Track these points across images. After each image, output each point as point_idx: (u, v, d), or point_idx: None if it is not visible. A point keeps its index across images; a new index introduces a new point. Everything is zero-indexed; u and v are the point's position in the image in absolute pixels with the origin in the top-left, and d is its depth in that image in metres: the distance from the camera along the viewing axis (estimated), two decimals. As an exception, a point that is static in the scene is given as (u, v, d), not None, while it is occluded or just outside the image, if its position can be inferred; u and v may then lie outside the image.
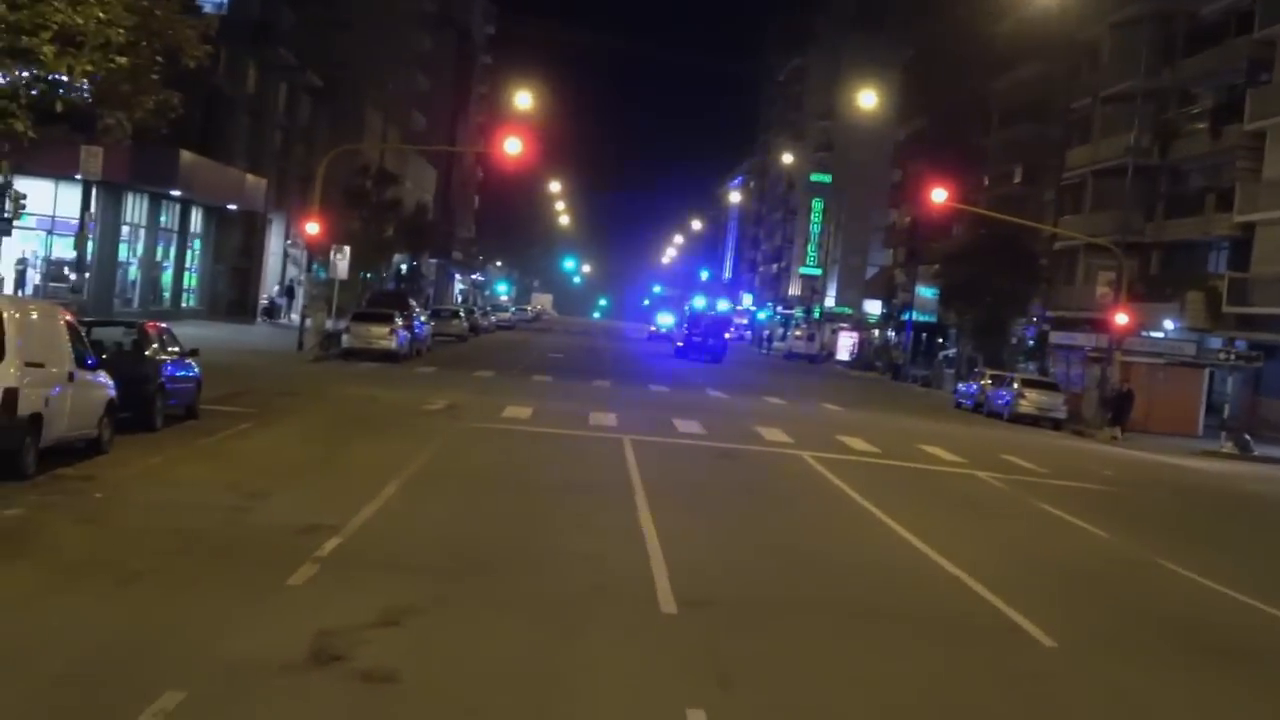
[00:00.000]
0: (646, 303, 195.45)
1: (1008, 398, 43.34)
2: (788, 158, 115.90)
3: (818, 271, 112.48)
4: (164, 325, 21.68)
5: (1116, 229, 50.14)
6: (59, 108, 20.62)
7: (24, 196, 27.37)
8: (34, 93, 20.40)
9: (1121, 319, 42.57)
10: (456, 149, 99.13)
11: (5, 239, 29.43)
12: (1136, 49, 52.27)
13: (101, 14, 19.14)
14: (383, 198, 62.38)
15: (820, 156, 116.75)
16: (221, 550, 11.90)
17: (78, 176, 37.29)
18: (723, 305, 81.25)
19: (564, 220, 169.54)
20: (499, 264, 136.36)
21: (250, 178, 52.48)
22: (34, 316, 15.32)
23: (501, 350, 58.33)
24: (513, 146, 47.85)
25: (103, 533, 12.25)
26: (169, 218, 49.25)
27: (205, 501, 14.04)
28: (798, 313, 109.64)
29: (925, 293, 75.67)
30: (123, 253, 45.03)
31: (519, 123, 71.60)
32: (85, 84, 21.22)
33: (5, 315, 14.07)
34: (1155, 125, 54.08)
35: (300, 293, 58.11)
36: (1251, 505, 27.21)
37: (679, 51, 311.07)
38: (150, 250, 47.62)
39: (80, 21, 19.03)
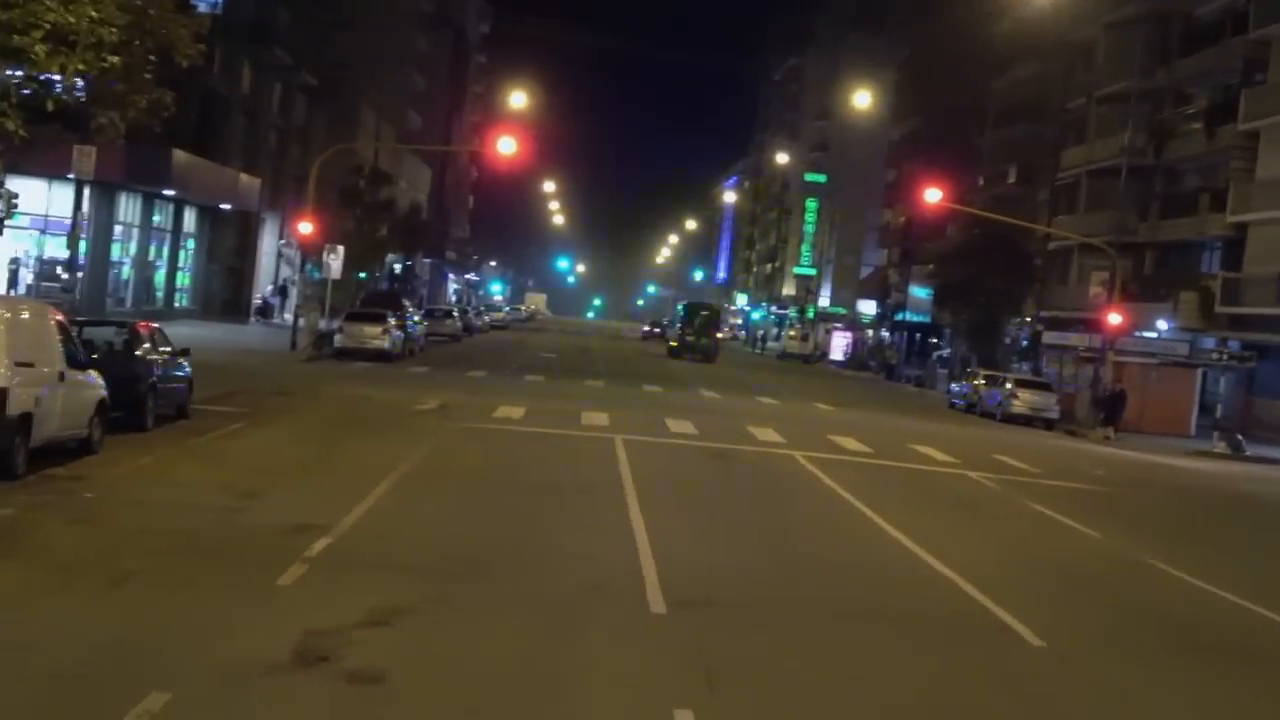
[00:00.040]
0: (641, 302, 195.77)
1: (1000, 398, 43.36)
2: (783, 157, 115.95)
3: (812, 271, 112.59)
4: (155, 325, 21.65)
5: (1111, 229, 50.18)
6: (50, 107, 20.59)
7: (16, 196, 27.29)
8: (26, 92, 20.36)
9: (1115, 319, 42.60)
10: (451, 149, 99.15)
11: (-2, 238, 29.39)
12: (1131, 49, 52.30)
13: (94, 13, 19.12)
14: (376, 197, 62.38)
15: (815, 156, 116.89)
16: (211, 550, 11.89)
17: (71, 176, 37.23)
18: (714, 305, 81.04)
19: (558, 220, 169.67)
20: (493, 264, 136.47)
21: (244, 177, 52.45)
22: (24, 316, 15.30)
23: (495, 350, 58.32)
24: (506, 146, 47.90)
25: (93, 533, 12.22)
26: (163, 217, 49.23)
27: (196, 502, 14.03)
28: (792, 313, 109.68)
29: (919, 293, 75.74)
30: (116, 252, 44.99)
31: (514, 122, 71.58)
32: (80, 83, 21.22)
33: (-5, 315, 14.05)
34: (1150, 125, 54.12)
35: (294, 292, 58.03)
36: (1244, 505, 27.23)
37: (675, 51, 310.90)
38: (144, 250, 47.59)
39: (72, 20, 19.01)
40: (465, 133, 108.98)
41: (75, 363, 16.12)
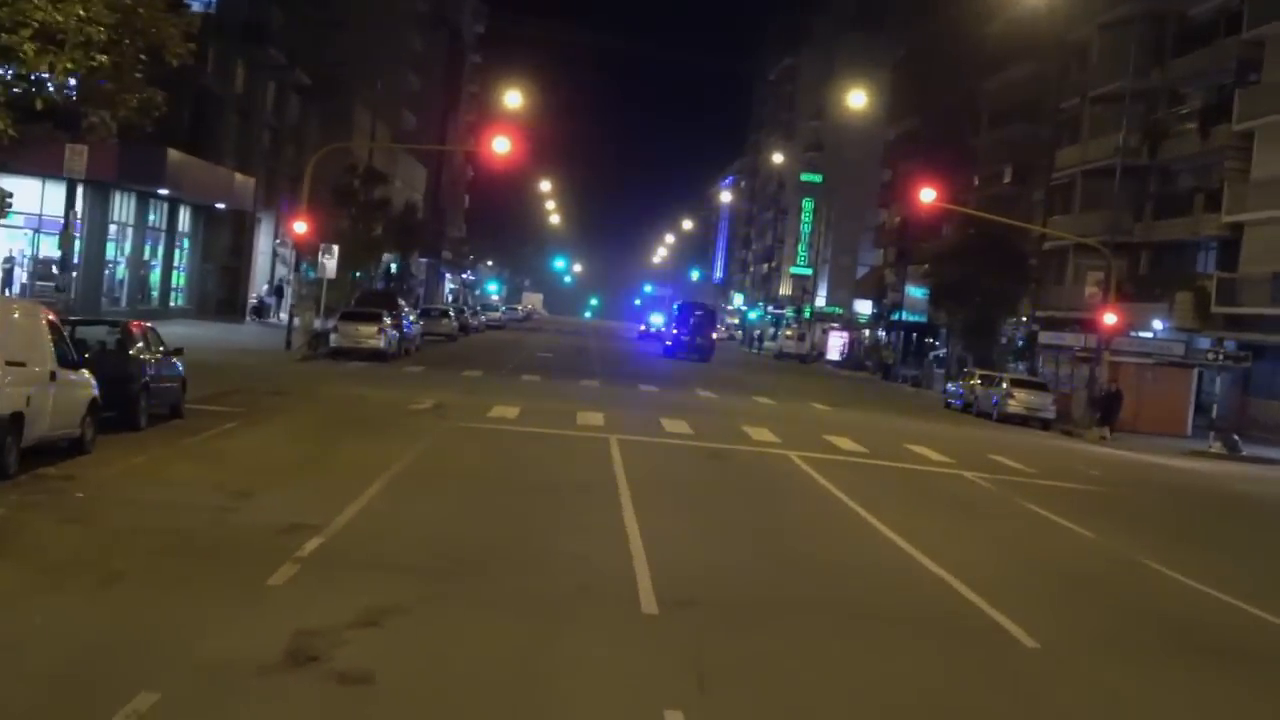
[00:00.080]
0: (638, 302, 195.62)
1: (996, 398, 43.36)
2: (778, 157, 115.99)
3: (808, 271, 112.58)
4: (148, 324, 21.59)
5: (1106, 229, 50.17)
6: (39, 106, 20.53)
7: (9, 195, 27.26)
8: (15, 91, 20.30)
9: (1110, 319, 42.61)
10: (446, 148, 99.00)
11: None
12: (1126, 49, 52.25)
13: (82, 11, 19.04)
14: (371, 197, 62.23)
15: (811, 156, 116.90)
16: (203, 550, 11.85)
17: (64, 175, 37.20)
18: (709, 304, 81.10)
19: (555, 219, 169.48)
20: (489, 263, 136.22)
21: (239, 177, 52.38)
22: (15, 316, 15.28)
23: (491, 350, 58.27)
24: (500, 145, 47.86)
25: (84, 532, 12.18)
26: (157, 216, 49.15)
27: (188, 501, 13.99)
28: (788, 312, 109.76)
29: (915, 293, 75.73)
30: (110, 251, 44.91)
31: (509, 122, 71.54)
32: (72, 82, 21.16)
33: (-14, 314, 14.01)
34: (1144, 125, 54.11)
35: (289, 292, 58.00)
36: (1239, 505, 27.23)
37: (672, 51, 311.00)
38: (138, 249, 47.50)
39: (60, 19, 18.93)
40: (461, 132, 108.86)
41: (67, 362, 16.08)
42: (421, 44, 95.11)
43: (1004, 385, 43.95)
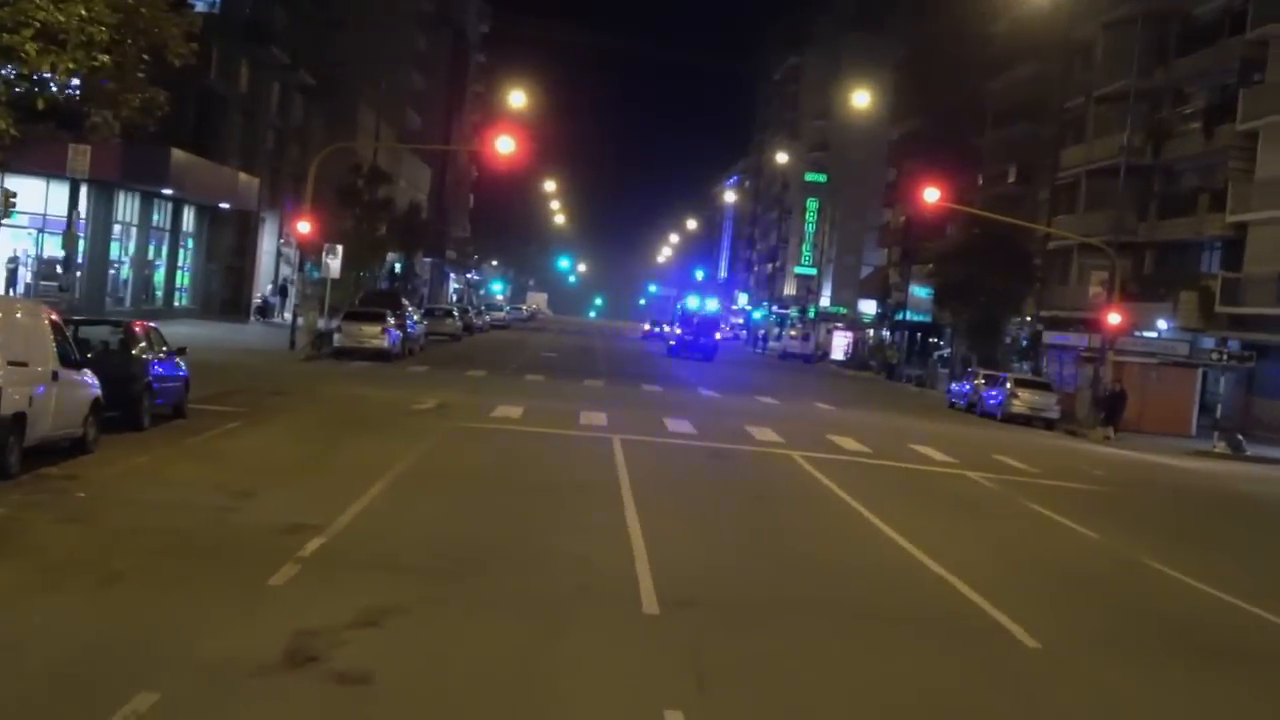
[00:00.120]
0: (643, 302, 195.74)
1: (1000, 397, 43.31)
2: (783, 157, 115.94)
3: (813, 271, 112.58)
4: (151, 324, 21.60)
5: (1110, 229, 50.11)
6: (40, 105, 20.54)
7: (13, 194, 27.29)
8: (17, 90, 20.31)
9: (1114, 319, 42.55)
10: (450, 148, 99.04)
11: (-3, 237, 29.42)
12: (1130, 49, 52.18)
13: (84, 11, 19.05)
14: (375, 196, 62.27)
15: (815, 156, 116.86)
16: (204, 550, 11.85)
17: (68, 175, 37.22)
18: (712, 305, 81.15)
19: (559, 219, 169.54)
20: (494, 263, 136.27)
21: (243, 176, 52.46)
22: (17, 315, 15.28)
23: (495, 349, 58.29)
24: (504, 145, 47.93)
25: (86, 532, 12.18)
26: (161, 216, 49.21)
27: (190, 501, 14.00)
28: (793, 312, 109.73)
29: (920, 292, 75.66)
30: (114, 251, 45.00)
31: (514, 122, 71.62)
32: (76, 81, 21.18)
33: (-12, 314, 14.02)
34: (1148, 125, 54.06)
35: (293, 292, 58.05)
36: (1243, 505, 27.18)
37: (675, 51, 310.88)
38: (142, 249, 47.58)
39: (62, 19, 18.95)
40: (465, 132, 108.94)
41: (69, 362, 16.09)
42: (425, 44, 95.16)
43: (1008, 385, 43.89)
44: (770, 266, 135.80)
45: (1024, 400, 42.68)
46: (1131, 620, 13.07)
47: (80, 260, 40.28)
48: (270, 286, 61.66)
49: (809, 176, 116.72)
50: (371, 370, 37.02)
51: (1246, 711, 10.45)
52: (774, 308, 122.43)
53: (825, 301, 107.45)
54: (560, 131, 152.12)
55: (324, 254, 45.71)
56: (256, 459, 17.85)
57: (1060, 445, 36.31)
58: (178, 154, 42.86)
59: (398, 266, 77.67)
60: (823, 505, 18.79)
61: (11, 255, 39.58)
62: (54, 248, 39.94)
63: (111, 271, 44.82)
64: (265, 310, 58.81)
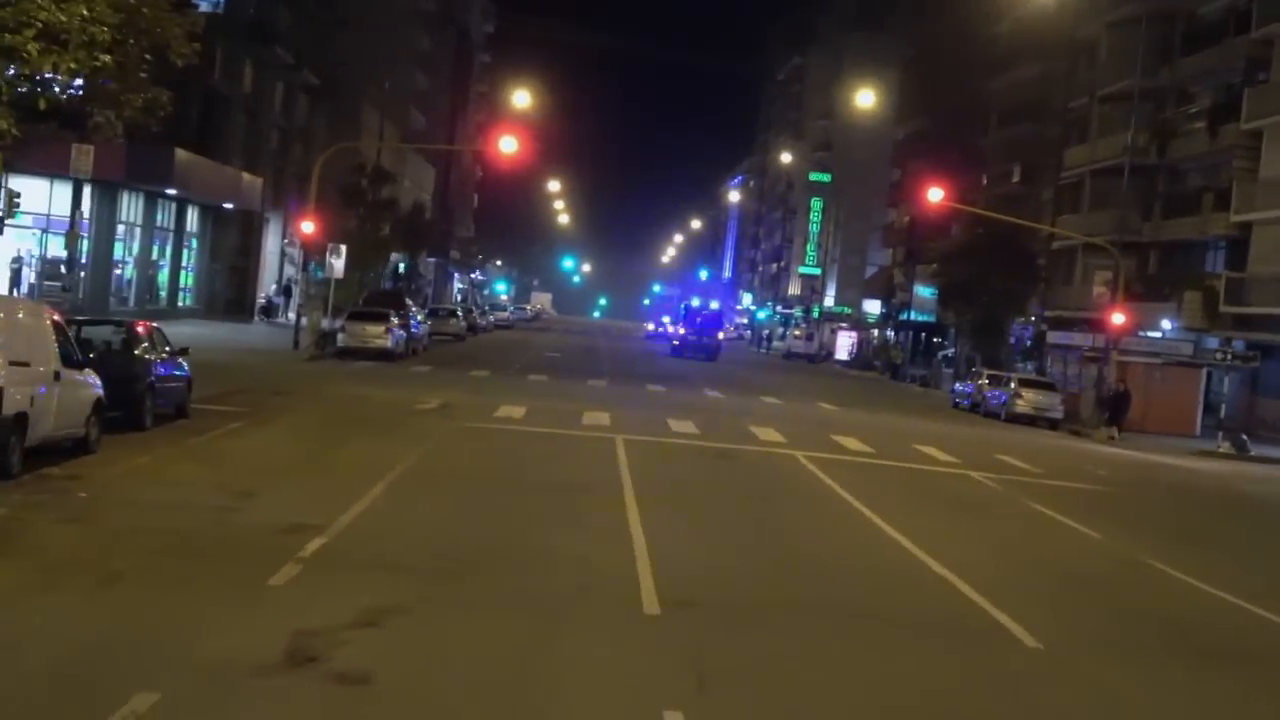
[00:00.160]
0: (647, 302, 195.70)
1: (1004, 397, 43.28)
2: (787, 157, 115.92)
3: (817, 271, 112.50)
4: (154, 324, 21.62)
5: (1114, 228, 50.09)
6: (42, 105, 20.55)
7: (17, 195, 27.31)
8: (19, 90, 20.33)
9: (1118, 319, 42.51)
10: (455, 148, 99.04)
11: (-1, 237, 29.41)
12: (1134, 48, 52.19)
13: (86, 11, 19.06)
14: (379, 196, 62.27)
15: (820, 156, 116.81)
16: (205, 550, 11.84)
17: (71, 175, 37.25)
18: (714, 305, 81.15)
19: (563, 219, 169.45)
20: (498, 263, 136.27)
21: (247, 176, 52.49)
22: (19, 315, 15.28)
23: (498, 349, 58.29)
24: (508, 145, 47.92)
25: (87, 532, 12.19)
26: (165, 216, 49.24)
27: (191, 501, 14.00)
28: (797, 312, 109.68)
29: (924, 292, 75.62)
30: (118, 251, 45.03)
31: (518, 121, 71.60)
32: (79, 81, 21.19)
33: (-11, 314, 14.03)
34: (1153, 125, 54.04)
35: (297, 292, 58.09)
36: (1247, 506, 27.14)
37: (679, 51, 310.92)
38: (146, 249, 47.62)
39: (64, 19, 18.95)
40: (469, 132, 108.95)
41: (71, 362, 16.09)
42: (430, 43, 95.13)
43: (1012, 385, 43.86)
44: (775, 266, 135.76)
45: (1028, 400, 42.64)
46: (1133, 620, 13.05)
47: (84, 260, 40.32)
48: (274, 286, 61.70)
49: (813, 176, 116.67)
50: (375, 370, 37.02)
51: (1247, 712, 10.43)
52: (778, 308, 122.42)
53: (829, 301, 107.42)
54: (565, 131, 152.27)
55: (328, 254, 45.74)
56: (258, 459, 17.85)
57: (1064, 445, 36.28)
58: (181, 154, 42.89)
59: (402, 266, 77.68)
60: (825, 505, 18.77)
61: (15, 255, 39.58)
62: (58, 248, 39.98)
63: (115, 272, 44.86)
64: (269, 310, 58.85)
